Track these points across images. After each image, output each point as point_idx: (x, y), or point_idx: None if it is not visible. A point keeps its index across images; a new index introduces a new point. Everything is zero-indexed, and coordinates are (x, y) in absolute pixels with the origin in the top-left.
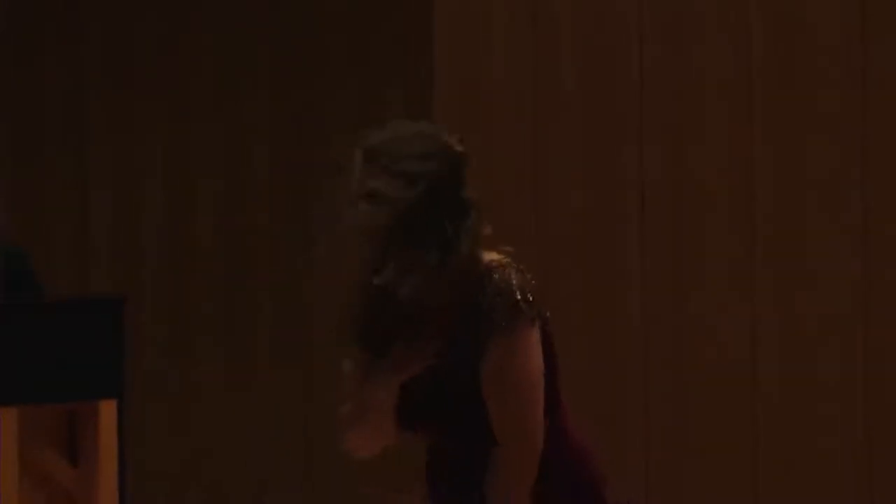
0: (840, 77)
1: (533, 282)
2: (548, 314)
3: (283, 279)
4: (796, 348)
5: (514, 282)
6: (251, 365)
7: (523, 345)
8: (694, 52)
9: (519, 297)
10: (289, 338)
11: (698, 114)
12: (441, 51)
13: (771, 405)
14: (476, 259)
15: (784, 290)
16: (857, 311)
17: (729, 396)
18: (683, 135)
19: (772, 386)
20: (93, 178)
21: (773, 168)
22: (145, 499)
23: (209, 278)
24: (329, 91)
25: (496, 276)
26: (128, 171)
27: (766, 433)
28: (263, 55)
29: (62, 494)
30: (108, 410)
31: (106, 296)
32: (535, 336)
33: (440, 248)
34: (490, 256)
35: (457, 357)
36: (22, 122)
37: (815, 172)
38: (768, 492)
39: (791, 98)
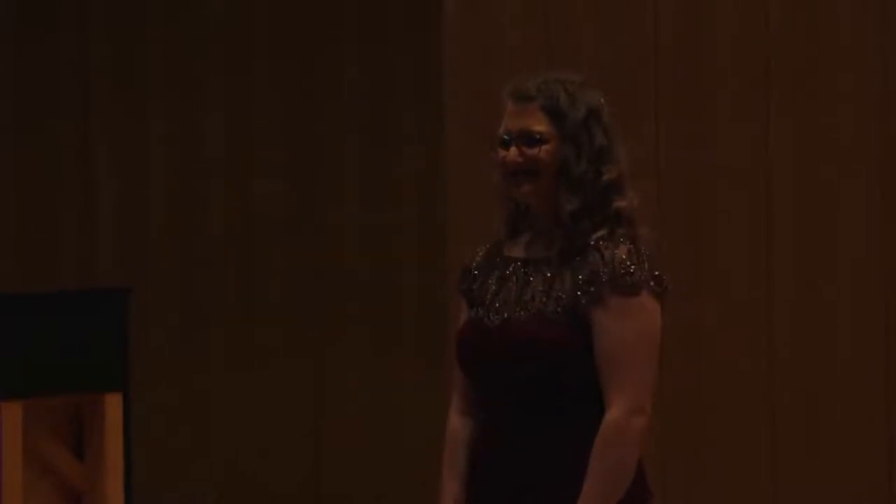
0: (857, 52)
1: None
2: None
3: (295, 264)
4: (813, 325)
5: (647, 253)
6: (262, 352)
7: (649, 311)
8: (709, 27)
9: (648, 265)
10: (300, 324)
11: (713, 91)
12: (451, 29)
13: (786, 381)
14: (607, 216)
15: (802, 266)
16: (878, 294)
17: (744, 368)
18: (699, 113)
19: (787, 361)
20: (98, 163)
21: (791, 143)
22: (152, 485)
23: (218, 262)
24: (338, 68)
25: (628, 241)
26: (133, 155)
27: (781, 412)
28: (263, 26)
29: (67, 488)
30: (113, 403)
31: (111, 287)
32: (658, 310)
33: (587, 193)
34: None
35: (557, 298)
36: (25, 102)
37: (831, 146)
38: (785, 458)
39: (807, 72)
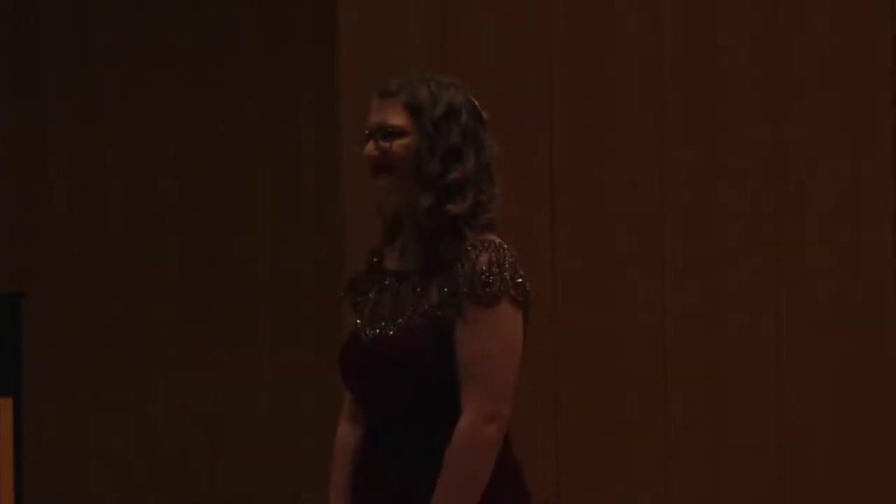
0: (753, 75)
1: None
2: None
3: (194, 271)
4: (708, 328)
5: (509, 260)
6: (161, 362)
7: (508, 320)
8: (606, 42)
9: (509, 275)
10: (199, 330)
11: (609, 105)
12: (345, 50)
13: (679, 386)
14: (467, 217)
15: (694, 274)
16: (770, 302)
17: (639, 373)
18: (593, 126)
19: (679, 367)
20: None
21: (684, 152)
22: (44, 491)
23: (117, 270)
24: (240, 66)
25: (490, 249)
26: (33, 159)
27: (675, 415)
28: (163, 36)
29: None
30: (4, 408)
31: (3, 292)
32: (519, 318)
33: (436, 191)
34: (491, 236)
35: (424, 312)
36: None
37: (724, 155)
38: (679, 457)
39: (703, 81)
